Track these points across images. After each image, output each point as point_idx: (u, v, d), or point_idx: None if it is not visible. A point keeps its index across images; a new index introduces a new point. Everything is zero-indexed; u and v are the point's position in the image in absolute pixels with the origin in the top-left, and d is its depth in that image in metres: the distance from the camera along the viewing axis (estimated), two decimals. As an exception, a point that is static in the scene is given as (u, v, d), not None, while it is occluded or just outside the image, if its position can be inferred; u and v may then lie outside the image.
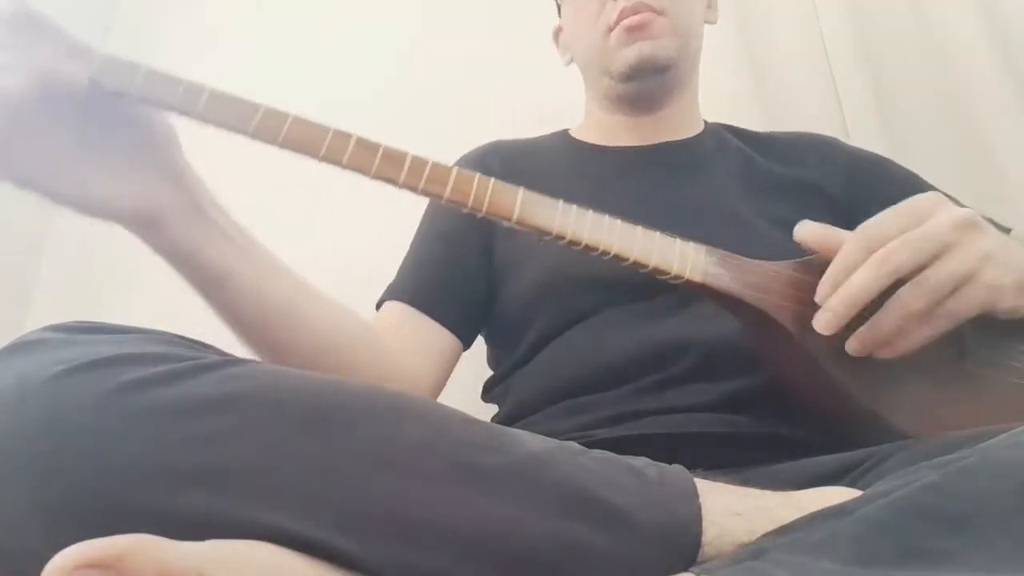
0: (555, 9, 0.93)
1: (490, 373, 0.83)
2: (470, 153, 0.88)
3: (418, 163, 0.53)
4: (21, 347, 0.41)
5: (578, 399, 0.67)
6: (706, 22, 0.88)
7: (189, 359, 0.40)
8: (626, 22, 0.79)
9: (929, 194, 0.57)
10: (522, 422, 0.69)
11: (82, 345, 0.40)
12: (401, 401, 0.42)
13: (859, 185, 0.81)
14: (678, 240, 0.57)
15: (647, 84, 0.82)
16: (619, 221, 0.56)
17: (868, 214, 0.54)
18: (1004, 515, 0.35)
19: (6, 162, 0.49)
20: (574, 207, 0.55)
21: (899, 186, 0.81)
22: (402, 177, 0.53)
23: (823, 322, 0.54)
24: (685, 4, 0.82)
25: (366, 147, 0.53)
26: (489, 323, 0.81)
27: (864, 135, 1.13)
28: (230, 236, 0.57)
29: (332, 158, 0.52)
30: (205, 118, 0.52)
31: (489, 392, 0.81)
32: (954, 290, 0.53)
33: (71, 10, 1.18)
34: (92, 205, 0.52)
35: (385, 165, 0.52)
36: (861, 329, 0.54)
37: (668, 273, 0.56)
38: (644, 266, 0.55)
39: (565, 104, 0.96)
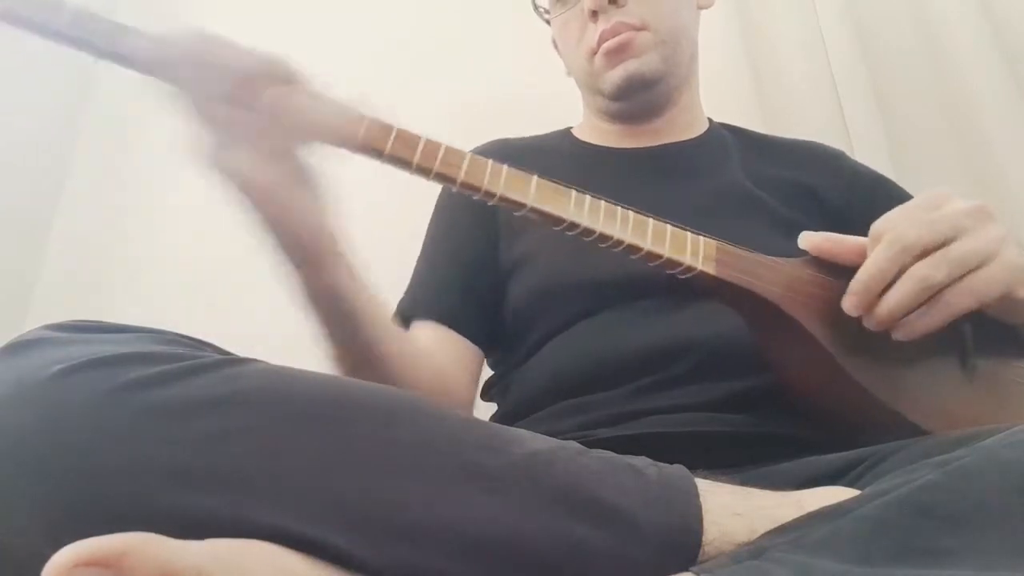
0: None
1: (490, 372, 0.83)
2: (473, 151, 0.88)
3: (431, 146, 0.52)
4: (21, 346, 0.41)
5: (578, 399, 0.67)
6: (701, 7, 0.87)
7: (189, 358, 0.40)
8: (606, 46, 0.77)
9: (940, 188, 0.58)
10: (522, 421, 0.69)
11: (82, 344, 0.40)
12: (402, 400, 0.42)
13: (858, 202, 0.81)
14: (690, 233, 0.56)
15: (639, 100, 0.82)
16: (632, 212, 0.55)
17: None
18: (1003, 513, 0.35)
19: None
20: (587, 196, 0.54)
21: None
22: (415, 159, 0.52)
23: (847, 304, 0.55)
24: (667, 8, 0.80)
25: (380, 127, 0.52)
26: None
27: (864, 135, 1.13)
28: (356, 275, 0.58)
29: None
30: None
31: (489, 391, 0.81)
32: (977, 267, 0.53)
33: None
34: (309, 232, 0.53)
35: (399, 146, 0.52)
36: (879, 302, 0.54)
37: (681, 265, 0.55)
38: (657, 257, 0.54)
39: (564, 102, 0.96)
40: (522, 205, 0.53)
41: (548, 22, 0.90)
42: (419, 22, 1.31)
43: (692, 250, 0.55)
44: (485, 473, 0.39)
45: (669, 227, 0.56)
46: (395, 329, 0.67)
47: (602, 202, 0.54)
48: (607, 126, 0.87)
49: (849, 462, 0.52)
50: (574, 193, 0.54)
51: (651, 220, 0.55)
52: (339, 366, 0.62)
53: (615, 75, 0.79)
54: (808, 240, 0.60)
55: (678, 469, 0.45)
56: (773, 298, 0.56)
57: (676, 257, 0.54)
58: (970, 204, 0.55)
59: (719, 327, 0.65)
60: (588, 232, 0.53)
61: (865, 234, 0.75)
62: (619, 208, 0.55)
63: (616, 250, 0.54)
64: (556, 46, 0.93)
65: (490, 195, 0.52)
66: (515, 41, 1.23)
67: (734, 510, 0.42)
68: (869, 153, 1.08)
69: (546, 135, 0.92)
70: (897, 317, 0.54)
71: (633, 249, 0.54)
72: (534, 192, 0.53)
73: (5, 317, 1.09)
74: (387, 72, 1.25)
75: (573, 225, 0.53)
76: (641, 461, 0.44)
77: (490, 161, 0.53)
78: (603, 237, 0.53)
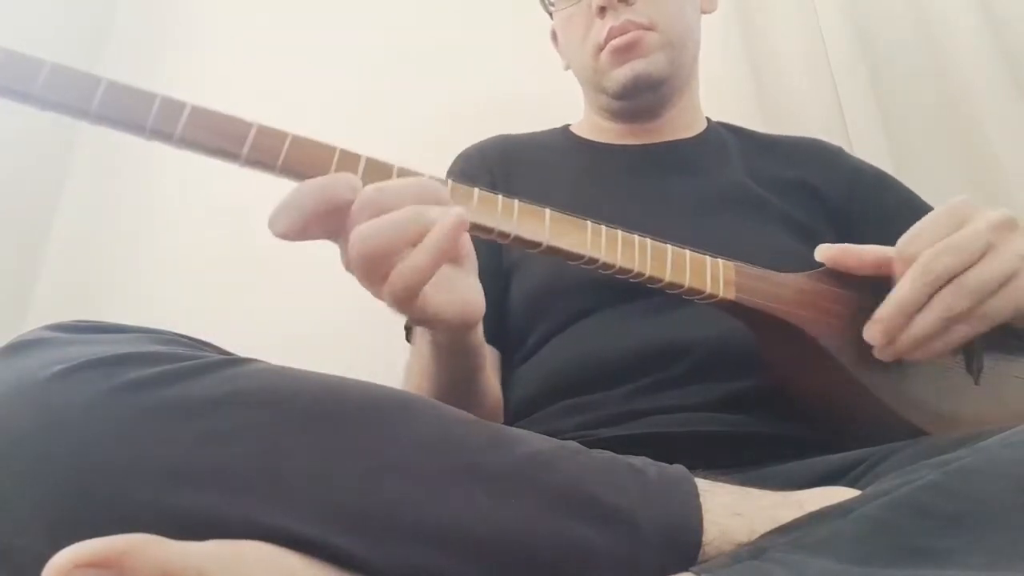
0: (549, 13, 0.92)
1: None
2: (472, 146, 0.88)
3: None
4: (21, 346, 0.41)
5: (578, 399, 0.67)
6: (704, 12, 0.87)
7: (190, 359, 0.40)
8: (614, 43, 0.77)
9: (963, 198, 0.57)
10: (522, 421, 0.70)
11: (82, 344, 0.40)
12: (403, 401, 0.42)
13: (858, 198, 0.82)
14: (708, 258, 0.56)
15: (642, 100, 0.82)
16: (649, 240, 0.54)
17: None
18: (1002, 513, 0.35)
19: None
20: (603, 227, 0.52)
21: (896, 203, 0.82)
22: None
23: (873, 332, 0.54)
24: (674, 9, 0.80)
25: (378, 168, 0.47)
26: None
27: (864, 135, 1.13)
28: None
29: None
30: (185, 140, 0.44)
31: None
32: (996, 291, 0.53)
33: (66, 21, 1.18)
34: (472, 314, 0.51)
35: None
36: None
37: (702, 293, 0.54)
38: (679, 287, 0.54)
39: (564, 102, 0.96)
40: (538, 244, 0.50)
41: (551, 14, 0.89)
42: (419, 22, 1.30)
43: (712, 276, 0.55)
44: (485, 473, 0.39)
45: (688, 253, 0.55)
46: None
47: (619, 232, 0.53)
48: (607, 124, 0.87)
49: (849, 462, 0.53)
50: (589, 224, 0.52)
51: (669, 247, 0.54)
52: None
53: (621, 74, 0.79)
54: (824, 253, 0.60)
55: (678, 469, 0.44)
56: (791, 319, 0.56)
57: (697, 286, 0.54)
58: (995, 217, 0.54)
59: (718, 327, 0.65)
60: (607, 266, 0.52)
61: (866, 231, 0.75)
62: (636, 237, 0.53)
63: (635, 281, 0.53)
64: (555, 40, 0.93)
65: (504, 236, 0.49)
66: (515, 41, 1.23)
67: (734, 510, 0.42)
68: (869, 153, 1.08)
69: (544, 132, 0.92)
70: (918, 347, 0.54)
71: (654, 280, 0.53)
72: (549, 227, 0.50)
73: (5, 317, 1.09)
74: (387, 72, 1.25)
75: (592, 260, 0.51)
76: (641, 461, 0.44)
77: (500, 196, 0.50)
78: (624, 271, 0.52)
